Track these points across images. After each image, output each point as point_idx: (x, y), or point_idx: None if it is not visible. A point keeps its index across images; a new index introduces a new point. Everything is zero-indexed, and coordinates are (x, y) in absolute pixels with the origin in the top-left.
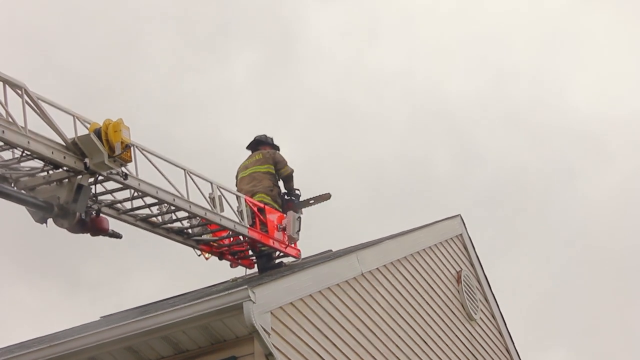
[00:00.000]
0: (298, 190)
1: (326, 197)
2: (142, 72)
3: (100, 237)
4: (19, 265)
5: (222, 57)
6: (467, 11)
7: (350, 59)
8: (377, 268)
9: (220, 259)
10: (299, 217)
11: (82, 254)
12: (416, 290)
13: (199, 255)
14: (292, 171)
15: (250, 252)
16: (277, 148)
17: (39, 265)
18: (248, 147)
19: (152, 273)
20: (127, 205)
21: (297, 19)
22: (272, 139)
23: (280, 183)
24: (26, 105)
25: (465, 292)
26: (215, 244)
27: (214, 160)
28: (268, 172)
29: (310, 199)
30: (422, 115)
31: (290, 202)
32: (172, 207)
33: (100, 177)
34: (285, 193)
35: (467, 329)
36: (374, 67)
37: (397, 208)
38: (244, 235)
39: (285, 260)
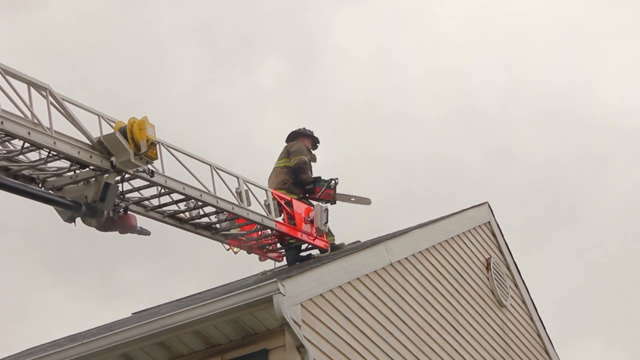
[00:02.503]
0: (319, 182)
1: (367, 201)
2: (169, 85)
3: (129, 234)
4: (56, 272)
5: (247, 66)
6: (492, 9)
7: (376, 61)
8: (406, 257)
9: (248, 252)
10: (326, 209)
11: (118, 260)
12: (445, 278)
13: (228, 250)
14: (300, 161)
15: (279, 245)
16: (311, 138)
17: (76, 271)
18: (286, 141)
19: (190, 276)
20: (155, 202)
21: (320, 24)
22: (310, 131)
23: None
24: (51, 106)
25: (495, 279)
26: (243, 238)
27: (244, 167)
28: (285, 166)
29: (352, 196)
30: (452, 114)
31: (317, 188)
32: (200, 203)
33: (126, 175)
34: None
35: (497, 315)
36: (400, 67)
37: (429, 207)
38: (271, 229)
39: (313, 252)
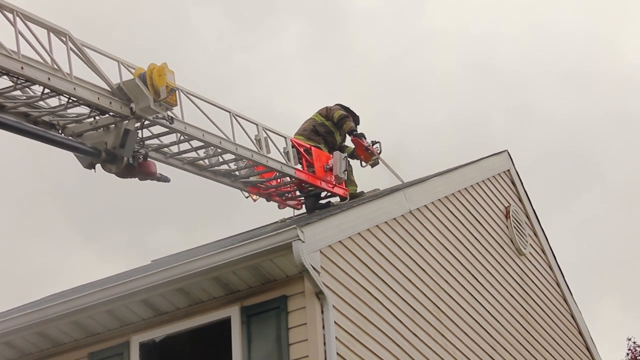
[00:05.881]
0: (365, 136)
1: (400, 179)
2: (192, 52)
3: (149, 180)
4: (87, 234)
5: (269, 31)
6: None
7: (400, 23)
8: (425, 205)
9: (268, 200)
10: (346, 157)
11: (147, 223)
12: (464, 226)
13: (247, 197)
14: (343, 114)
15: (298, 193)
16: (354, 117)
17: (106, 234)
18: None
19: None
20: (174, 149)
21: None
22: (348, 107)
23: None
24: (71, 52)
25: (514, 227)
26: (262, 186)
27: None
28: (312, 118)
29: (391, 168)
30: (476, 75)
31: (365, 140)
32: (219, 150)
33: (146, 122)
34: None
35: (516, 263)
36: (424, 29)
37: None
38: (291, 176)
39: (332, 200)
